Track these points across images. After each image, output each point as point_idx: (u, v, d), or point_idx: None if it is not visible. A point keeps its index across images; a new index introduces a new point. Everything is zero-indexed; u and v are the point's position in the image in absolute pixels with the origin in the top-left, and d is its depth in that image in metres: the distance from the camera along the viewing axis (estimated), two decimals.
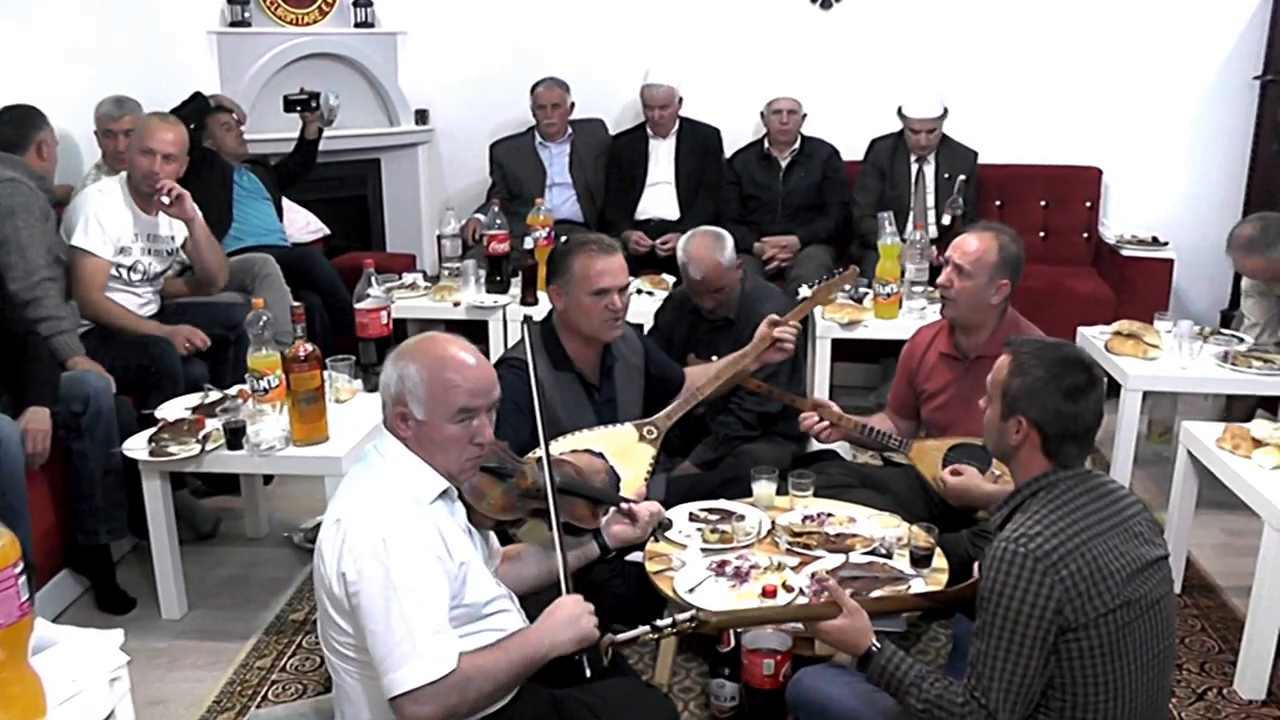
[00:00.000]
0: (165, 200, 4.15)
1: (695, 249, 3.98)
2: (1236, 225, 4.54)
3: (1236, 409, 4.59)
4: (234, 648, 3.48)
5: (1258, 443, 3.35)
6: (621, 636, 2.31)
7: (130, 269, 4.18)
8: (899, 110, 5.65)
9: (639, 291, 4.95)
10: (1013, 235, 3.61)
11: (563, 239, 3.55)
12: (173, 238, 4.31)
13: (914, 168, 5.68)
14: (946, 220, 5.02)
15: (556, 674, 2.32)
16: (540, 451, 2.59)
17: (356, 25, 6.26)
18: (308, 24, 6.12)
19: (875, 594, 2.82)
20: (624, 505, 2.84)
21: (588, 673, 2.34)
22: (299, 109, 5.51)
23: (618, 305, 3.37)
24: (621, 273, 3.39)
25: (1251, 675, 3.20)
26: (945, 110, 5.63)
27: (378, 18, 6.33)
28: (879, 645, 2.35)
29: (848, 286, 4.60)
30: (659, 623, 2.35)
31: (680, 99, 5.90)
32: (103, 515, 3.59)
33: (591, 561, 2.77)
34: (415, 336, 2.36)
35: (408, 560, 2.11)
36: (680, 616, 2.39)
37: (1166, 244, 5.70)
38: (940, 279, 3.65)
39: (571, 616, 2.31)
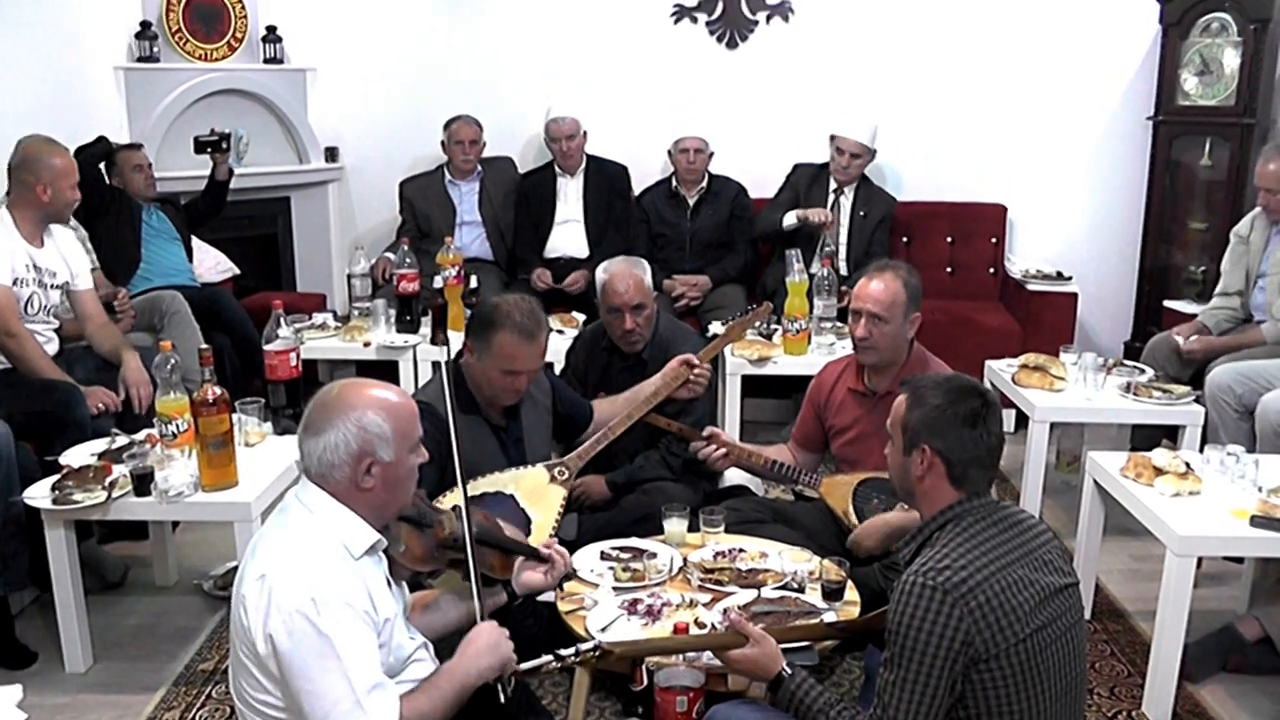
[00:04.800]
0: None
1: (616, 266, 3.98)
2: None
3: (1141, 438, 4.68)
4: (141, 700, 3.40)
5: (1159, 471, 3.42)
6: (524, 666, 2.33)
7: (27, 303, 4.06)
8: (830, 135, 5.73)
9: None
10: (909, 268, 3.68)
11: (491, 300, 3.51)
12: (55, 273, 4.19)
13: (831, 199, 5.74)
14: (824, 270, 5.01)
15: (470, 705, 2.31)
16: (454, 499, 2.57)
17: (266, 61, 6.21)
18: (217, 60, 6.06)
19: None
20: (543, 551, 2.82)
21: (503, 698, 2.33)
22: (209, 150, 5.45)
23: (523, 386, 3.40)
24: (538, 359, 3.40)
25: (1158, 697, 3.25)
26: (874, 150, 5.72)
27: (287, 54, 6.30)
28: (789, 671, 2.38)
29: (758, 323, 4.64)
30: (562, 652, 2.37)
31: (585, 132, 5.93)
32: (0, 566, 3.47)
33: (499, 609, 2.76)
34: (330, 396, 2.28)
35: (339, 617, 2.08)
36: (583, 646, 2.42)
37: (1070, 278, 5.82)
38: (858, 332, 3.63)
39: (492, 642, 2.31)
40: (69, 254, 4.27)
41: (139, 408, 4.10)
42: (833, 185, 5.77)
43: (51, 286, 4.18)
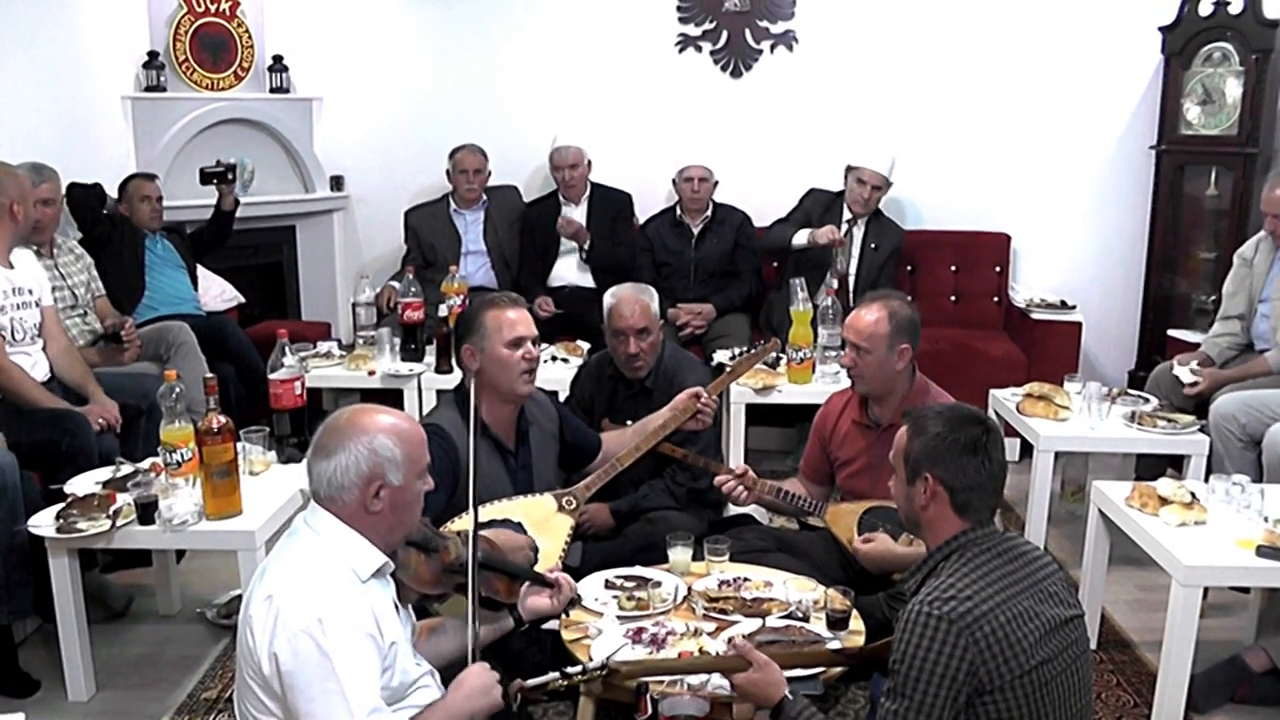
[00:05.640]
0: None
1: (623, 291, 4.00)
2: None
3: (1145, 467, 4.68)
4: None
5: (1164, 501, 3.41)
6: (531, 682, 2.38)
7: (11, 331, 4.06)
8: (848, 166, 5.72)
9: (554, 359, 4.96)
10: (903, 299, 3.68)
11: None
12: (31, 290, 4.18)
13: (844, 229, 5.71)
14: (829, 299, 4.97)
15: None
16: (459, 525, 2.59)
17: (272, 91, 6.25)
18: (223, 89, 6.09)
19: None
20: (549, 577, 2.84)
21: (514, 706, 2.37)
22: (215, 181, 5.48)
23: (533, 354, 3.40)
24: (531, 323, 3.44)
25: None
26: (892, 182, 5.71)
27: (293, 83, 6.33)
28: (791, 696, 2.40)
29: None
30: (569, 670, 2.41)
31: (589, 162, 5.96)
32: (5, 595, 3.46)
33: (504, 634, 2.77)
34: (341, 420, 2.32)
35: (343, 639, 2.11)
36: (590, 664, 2.48)
37: (1074, 307, 5.82)
38: (843, 360, 3.72)
39: (483, 685, 2.34)
40: (35, 272, 4.27)
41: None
42: (846, 216, 5.75)
43: (33, 305, 4.18)
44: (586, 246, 5.88)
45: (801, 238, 5.63)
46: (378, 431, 2.27)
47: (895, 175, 5.77)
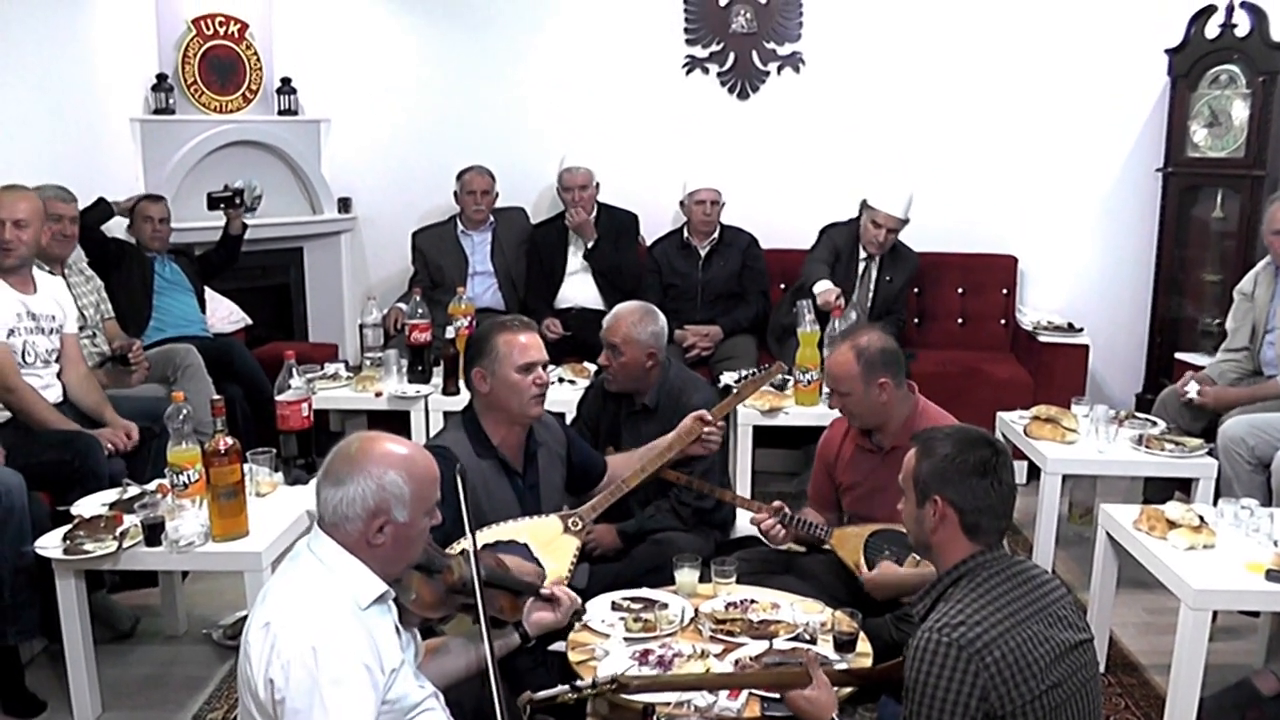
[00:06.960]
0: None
1: (623, 306, 4.01)
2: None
3: (1153, 490, 4.66)
4: None
5: (1172, 524, 3.41)
6: (540, 695, 2.36)
7: (22, 354, 4.07)
8: (864, 202, 5.63)
9: (560, 380, 4.95)
10: (874, 330, 3.63)
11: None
12: (53, 316, 4.20)
13: (861, 266, 5.67)
14: (835, 321, 4.90)
15: None
16: (464, 545, 2.58)
17: (280, 113, 6.29)
18: (232, 111, 6.13)
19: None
20: (544, 592, 2.84)
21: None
22: (223, 205, 5.49)
23: (544, 379, 3.38)
24: (542, 348, 3.42)
25: None
26: (907, 220, 5.59)
27: (301, 105, 6.36)
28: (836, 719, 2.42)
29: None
30: (579, 683, 2.40)
31: (598, 184, 5.97)
32: (11, 615, 3.47)
33: (512, 651, 2.76)
34: (353, 448, 2.30)
35: (336, 669, 2.09)
36: (600, 677, 2.46)
37: (1081, 330, 5.82)
38: (831, 403, 3.73)
39: None
40: (61, 299, 4.30)
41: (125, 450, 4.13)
42: (862, 255, 5.67)
43: (51, 331, 4.19)
44: (590, 245, 5.90)
45: (821, 286, 5.44)
46: (389, 466, 2.25)
47: (910, 211, 5.63)
